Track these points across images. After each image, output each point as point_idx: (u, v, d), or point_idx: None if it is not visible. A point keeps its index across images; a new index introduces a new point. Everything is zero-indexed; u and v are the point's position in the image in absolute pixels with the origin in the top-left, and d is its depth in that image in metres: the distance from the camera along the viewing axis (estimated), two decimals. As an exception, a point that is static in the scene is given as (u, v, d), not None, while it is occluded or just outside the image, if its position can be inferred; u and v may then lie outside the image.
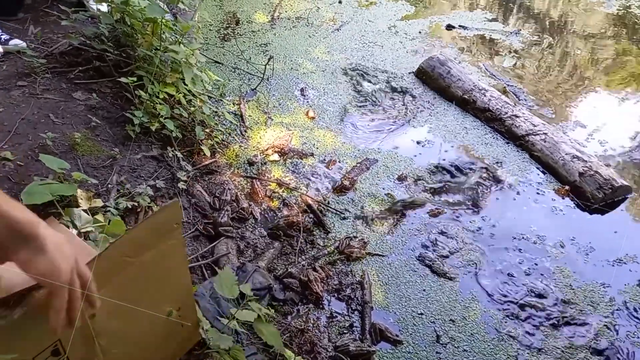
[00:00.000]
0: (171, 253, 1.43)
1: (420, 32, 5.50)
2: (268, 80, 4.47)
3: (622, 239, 3.42)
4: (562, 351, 2.72)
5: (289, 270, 2.85)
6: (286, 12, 5.56)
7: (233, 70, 4.53)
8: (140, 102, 3.18)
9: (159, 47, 3.34)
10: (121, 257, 1.24)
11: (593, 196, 3.59)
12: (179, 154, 3.23)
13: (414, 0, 6.19)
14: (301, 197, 3.36)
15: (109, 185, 2.70)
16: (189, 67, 3.30)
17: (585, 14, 6.33)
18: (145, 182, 2.94)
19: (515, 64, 5.17)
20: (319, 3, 5.79)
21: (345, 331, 2.70)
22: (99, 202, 2.33)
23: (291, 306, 2.75)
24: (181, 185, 3.11)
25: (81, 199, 2.23)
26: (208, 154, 3.40)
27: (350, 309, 2.81)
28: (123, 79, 3.07)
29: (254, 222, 3.21)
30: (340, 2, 5.89)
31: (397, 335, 2.69)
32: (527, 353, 2.70)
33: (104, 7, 3.67)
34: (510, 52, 5.34)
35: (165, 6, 3.79)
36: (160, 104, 3.23)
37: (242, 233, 3.09)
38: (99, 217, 2.25)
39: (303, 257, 3.01)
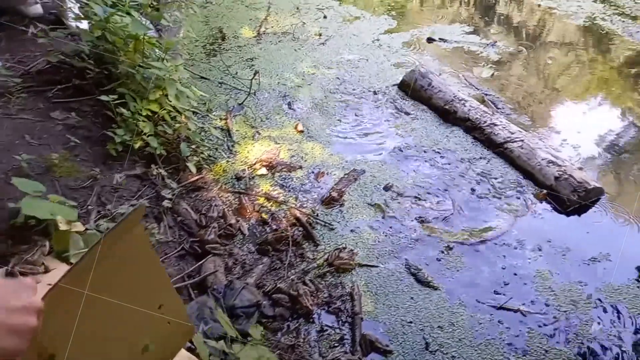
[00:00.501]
0: (137, 244, 1.31)
1: (402, 45, 5.46)
2: (255, 94, 4.38)
3: (595, 239, 3.38)
4: (546, 351, 2.66)
5: (278, 285, 2.76)
6: (272, 27, 5.48)
7: (219, 85, 4.44)
8: (122, 119, 3.07)
9: (141, 64, 3.23)
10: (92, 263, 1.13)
11: (568, 199, 3.56)
12: (163, 172, 3.12)
13: (397, 15, 6.15)
14: (290, 211, 3.27)
15: (89, 207, 2.58)
16: (173, 83, 3.19)
17: (556, 26, 6.35)
18: (128, 202, 2.83)
19: (493, 74, 5.15)
20: (304, 18, 5.72)
21: (336, 344, 2.61)
22: (79, 226, 2.20)
23: (281, 322, 2.65)
24: (166, 203, 3.00)
25: (60, 222, 2.11)
26: (194, 170, 3.29)
27: (340, 321, 2.72)
28: (104, 97, 2.95)
29: (242, 238, 3.11)
30: (325, 17, 5.83)
31: (387, 345, 2.61)
32: (514, 356, 2.63)
33: (83, 25, 3.55)
34: (487, 63, 5.31)
35: (148, 23, 3.68)
36: (143, 121, 3.13)
37: (230, 250, 2.99)
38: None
39: (293, 271, 2.92)
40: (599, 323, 2.84)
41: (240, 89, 4.39)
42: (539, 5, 6.70)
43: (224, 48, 4.99)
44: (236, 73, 4.57)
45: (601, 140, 4.38)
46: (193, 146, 3.55)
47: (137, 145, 3.19)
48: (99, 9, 3.13)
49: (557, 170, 3.70)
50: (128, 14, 3.26)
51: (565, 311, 2.88)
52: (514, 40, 5.90)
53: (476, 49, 5.54)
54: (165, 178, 3.16)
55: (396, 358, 2.58)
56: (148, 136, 3.15)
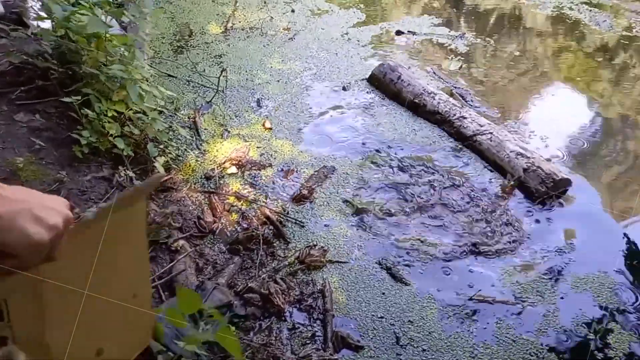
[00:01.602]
0: (134, 219, 1.32)
1: (371, 39, 5.52)
2: (223, 92, 4.38)
3: (561, 230, 3.52)
4: (514, 341, 2.77)
5: (250, 285, 2.79)
6: (240, 22, 5.47)
7: (187, 83, 4.42)
8: (87, 121, 3.04)
9: (105, 63, 3.21)
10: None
11: (537, 190, 3.68)
12: (131, 173, 3.11)
13: (365, 8, 6.20)
14: (260, 209, 3.30)
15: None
16: (134, 82, 3.17)
17: (524, 17, 6.50)
18: (96, 204, 2.82)
19: (461, 66, 5.25)
20: (272, 12, 5.72)
21: (307, 342, 2.66)
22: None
23: (253, 322, 2.69)
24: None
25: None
26: (162, 171, 3.29)
27: (312, 319, 2.77)
28: (67, 99, 2.92)
29: (212, 237, 3.13)
30: (293, 11, 5.84)
31: (358, 341, 2.67)
32: (482, 347, 2.73)
33: (45, 24, 3.49)
34: (456, 55, 5.42)
35: (112, 20, 3.64)
36: (109, 122, 3.11)
37: (201, 250, 3.01)
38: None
39: (264, 270, 2.95)
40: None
41: (208, 87, 4.38)
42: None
43: (191, 45, 4.96)
44: (204, 70, 4.55)
45: (569, 130, 4.52)
46: (161, 146, 3.54)
47: (104, 147, 3.18)
48: (57, 8, 3.09)
49: (526, 162, 3.82)
50: (91, 11, 3.22)
51: (532, 302, 3.00)
52: (482, 32, 6.02)
53: (445, 42, 5.64)
54: (133, 179, 3.15)
55: (367, 353, 2.65)
56: (115, 137, 3.14)
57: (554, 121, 4.59)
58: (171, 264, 2.81)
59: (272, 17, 5.62)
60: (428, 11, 6.36)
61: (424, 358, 2.66)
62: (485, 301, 2.97)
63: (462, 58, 5.38)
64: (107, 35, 3.27)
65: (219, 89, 4.30)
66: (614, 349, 2.77)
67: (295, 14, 5.79)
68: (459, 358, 2.68)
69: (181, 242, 2.97)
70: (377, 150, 4.00)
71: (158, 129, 3.39)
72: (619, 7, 6.80)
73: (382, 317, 2.82)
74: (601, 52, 5.77)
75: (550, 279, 3.14)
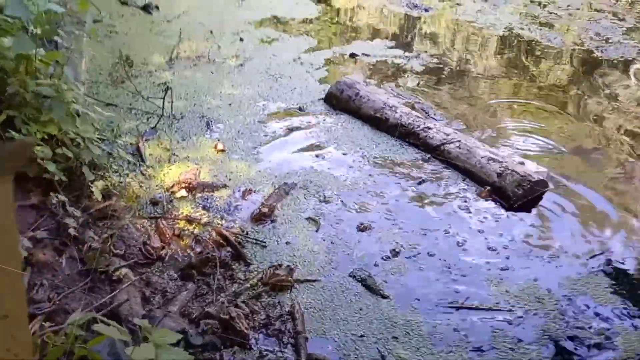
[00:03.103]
0: None
1: (325, 62, 5.54)
2: (170, 117, 4.20)
3: (551, 233, 3.43)
4: (512, 349, 2.58)
5: (207, 310, 2.51)
6: (185, 52, 5.39)
7: (129, 110, 4.23)
8: (12, 144, 2.79)
9: (33, 85, 3.01)
10: None
11: (514, 193, 3.62)
12: (64, 198, 2.84)
13: (316, 35, 6.28)
14: (215, 230, 3.05)
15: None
16: (64, 102, 2.97)
17: (477, 36, 6.75)
18: (23, 235, 2.53)
19: (419, 83, 5.32)
20: (220, 42, 5.69)
21: (278, 369, 2.38)
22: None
23: (212, 352, 2.39)
24: (72, 231, 2.71)
25: None
26: (99, 197, 3.03)
27: (282, 344, 2.50)
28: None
29: (161, 265, 2.85)
30: (241, 39, 5.83)
31: (337, 364, 2.41)
32: (478, 357, 2.52)
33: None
34: (412, 73, 5.50)
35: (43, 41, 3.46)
36: (38, 144, 2.87)
37: (148, 278, 2.72)
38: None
39: (223, 295, 2.68)
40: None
41: (152, 113, 4.19)
42: (457, 20, 7.12)
43: (132, 75, 4.79)
44: (147, 98, 4.38)
45: (535, 138, 4.55)
46: (100, 172, 3.30)
47: (32, 173, 2.91)
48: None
49: (499, 167, 3.77)
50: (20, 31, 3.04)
51: (530, 309, 2.83)
52: (437, 52, 6.18)
53: (400, 62, 5.73)
54: (66, 205, 2.87)
55: (350, 376, 2.39)
56: (45, 161, 2.89)
57: (520, 129, 4.64)
58: (112, 294, 2.49)
59: (219, 47, 5.58)
60: (380, 37, 6.50)
61: (415, 376, 2.42)
62: (476, 307, 2.79)
63: (419, 75, 5.46)
64: (36, 57, 3.09)
65: (164, 112, 4.13)
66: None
67: (244, 43, 5.77)
68: (454, 372, 2.46)
69: (124, 270, 2.68)
70: (337, 165, 3.88)
71: (95, 152, 3.16)
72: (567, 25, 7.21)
73: (362, 336, 2.58)
74: (552, 62, 6.02)
75: (543, 282, 3.02)
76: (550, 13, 7.58)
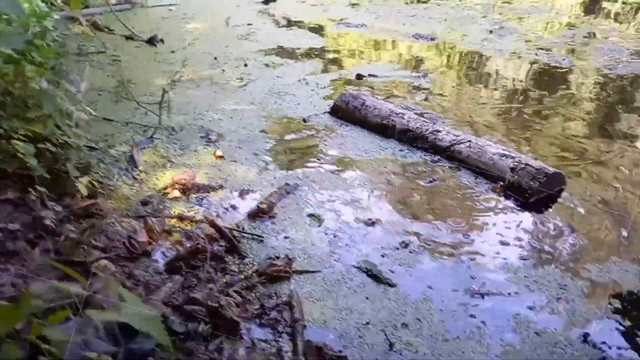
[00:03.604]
0: None
1: (330, 83, 5.52)
2: (168, 130, 4.14)
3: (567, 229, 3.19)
4: (538, 334, 2.29)
5: (192, 295, 2.30)
6: (188, 76, 5.43)
7: (125, 124, 4.18)
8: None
9: (19, 82, 2.99)
10: None
11: (529, 187, 3.40)
12: (43, 191, 2.73)
13: (321, 60, 6.32)
14: (209, 221, 2.87)
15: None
16: (53, 98, 2.91)
17: (484, 61, 6.72)
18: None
19: (427, 97, 5.24)
20: (224, 67, 5.73)
21: (272, 358, 2.13)
22: None
23: (196, 340, 2.16)
24: (48, 222, 2.57)
25: None
26: (84, 192, 2.91)
27: (277, 333, 2.27)
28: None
29: (147, 260, 2.67)
30: (246, 65, 5.87)
31: (340, 352, 2.16)
32: (499, 344, 2.24)
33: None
34: (420, 90, 5.43)
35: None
36: (19, 139, 2.80)
37: (130, 271, 2.53)
38: None
39: (212, 285, 2.47)
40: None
41: (149, 126, 4.14)
42: (463, 47, 7.13)
43: (134, 96, 4.80)
44: (146, 113, 4.35)
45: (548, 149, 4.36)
46: (87, 175, 3.19)
47: (11, 168, 2.83)
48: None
49: (512, 162, 3.59)
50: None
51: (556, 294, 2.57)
52: (445, 72, 6.14)
53: (407, 80, 5.69)
54: (45, 200, 2.75)
55: (353, 364, 2.12)
56: (27, 157, 2.80)
57: (534, 137, 4.47)
58: (88, 282, 2.30)
59: (223, 70, 5.61)
60: (387, 60, 6.51)
61: (428, 364, 2.15)
62: (493, 293, 2.53)
63: (427, 91, 5.38)
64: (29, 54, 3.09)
65: (161, 120, 4.07)
66: None
67: (248, 68, 5.81)
68: (473, 359, 2.17)
69: (104, 262, 2.50)
70: (342, 170, 3.73)
71: (83, 153, 3.08)
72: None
73: (368, 323, 2.33)
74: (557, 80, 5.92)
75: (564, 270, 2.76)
76: (554, 42, 7.55)
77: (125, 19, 6.96)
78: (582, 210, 3.36)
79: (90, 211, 2.92)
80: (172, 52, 6.23)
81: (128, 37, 6.59)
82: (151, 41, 6.46)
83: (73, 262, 2.44)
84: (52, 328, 1.81)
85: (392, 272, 2.66)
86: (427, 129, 4.12)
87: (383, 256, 2.78)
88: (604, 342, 2.32)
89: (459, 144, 3.91)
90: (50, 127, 2.99)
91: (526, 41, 7.37)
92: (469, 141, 3.90)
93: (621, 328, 2.42)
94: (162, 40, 6.53)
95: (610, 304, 2.55)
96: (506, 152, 3.71)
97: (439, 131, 4.08)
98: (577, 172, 3.84)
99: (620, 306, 2.54)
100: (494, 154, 3.71)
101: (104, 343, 1.92)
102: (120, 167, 3.48)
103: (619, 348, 2.30)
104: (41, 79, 3.01)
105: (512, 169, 3.54)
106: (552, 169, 3.52)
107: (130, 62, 5.76)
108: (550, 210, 3.39)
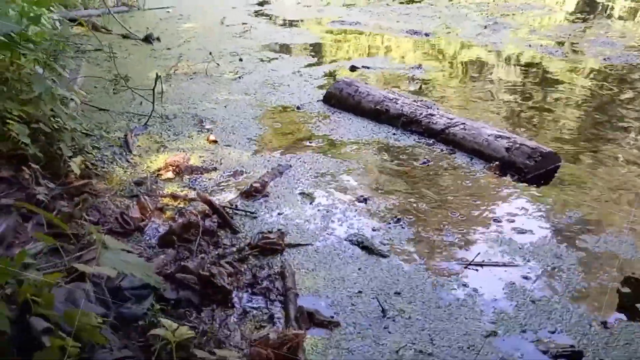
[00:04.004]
0: None
1: (324, 74, 5.51)
2: (162, 117, 4.12)
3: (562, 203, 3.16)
4: (534, 302, 2.26)
5: (183, 264, 2.27)
6: (183, 70, 5.42)
7: (121, 114, 4.16)
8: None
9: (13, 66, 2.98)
10: None
11: (525, 165, 3.38)
12: (36, 167, 2.70)
13: (316, 54, 6.32)
14: (201, 198, 2.84)
15: None
16: (43, 79, 2.90)
17: (473, 49, 6.71)
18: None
19: (421, 87, 5.23)
20: (219, 61, 5.72)
21: (264, 324, 2.10)
22: None
23: (188, 308, 2.13)
24: (41, 197, 2.54)
25: None
26: (77, 171, 2.88)
27: (269, 301, 2.23)
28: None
29: (140, 235, 2.64)
30: (241, 60, 5.86)
31: (331, 317, 2.13)
32: (493, 313, 2.20)
33: None
34: (414, 79, 5.42)
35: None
36: (11, 119, 2.79)
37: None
38: None
39: (205, 256, 2.44)
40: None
41: (144, 115, 4.12)
42: (458, 41, 7.13)
43: (128, 88, 4.78)
44: (141, 103, 4.34)
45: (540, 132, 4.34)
46: (82, 157, 3.17)
47: (5, 149, 2.81)
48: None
49: (507, 142, 3.57)
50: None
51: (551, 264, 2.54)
52: (439, 64, 6.13)
53: (401, 72, 5.68)
54: (39, 178, 2.72)
55: (346, 330, 2.09)
56: (20, 136, 2.78)
57: (532, 121, 4.45)
58: (79, 253, 2.27)
59: (218, 64, 5.60)
60: (381, 53, 6.51)
61: (421, 327, 2.11)
62: (486, 265, 2.50)
63: (421, 81, 5.37)
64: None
65: (154, 99, 4.06)
66: None
67: (243, 62, 5.80)
68: (466, 324, 2.13)
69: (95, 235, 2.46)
70: (335, 151, 3.71)
71: (76, 131, 3.06)
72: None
73: (360, 292, 2.29)
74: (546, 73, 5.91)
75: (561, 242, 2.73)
76: (547, 35, 7.54)
77: (123, 20, 6.97)
78: (577, 186, 3.34)
79: (83, 190, 2.90)
80: (168, 49, 6.23)
81: (125, 36, 6.59)
82: (147, 39, 6.46)
83: (65, 235, 2.41)
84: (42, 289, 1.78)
85: (384, 244, 2.63)
86: (421, 113, 4.10)
87: (375, 230, 2.74)
88: (599, 310, 2.28)
89: (454, 126, 3.89)
90: (42, 109, 2.98)
91: (519, 35, 7.38)
92: (464, 123, 3.88)
93: (616, 296, 2.38)
94: (158, 39, 6.53)
95: (606, 274, 2.51)
96: (501, 133, 3.70)
97: (433, 115, 4.06)
98: (572, 154, 3.82)
99: (617, 275, 2.50)
100: (489, 135, 3.69)
101: (94, 306, 1.89)
102: (114, 151, 3.45)
103: (615, 317, 2.26)
104: (31, 60, 3.02)
105: (508, 149, 3.53)
106: (547, 148, 3.51)
107: (127, 58, 5.75)
108: (546, 186, 3.37)
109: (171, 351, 1.71)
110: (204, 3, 8.64)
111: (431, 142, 3.88)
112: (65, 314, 1.72)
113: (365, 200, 3.03)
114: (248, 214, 2.87)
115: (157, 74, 4.11)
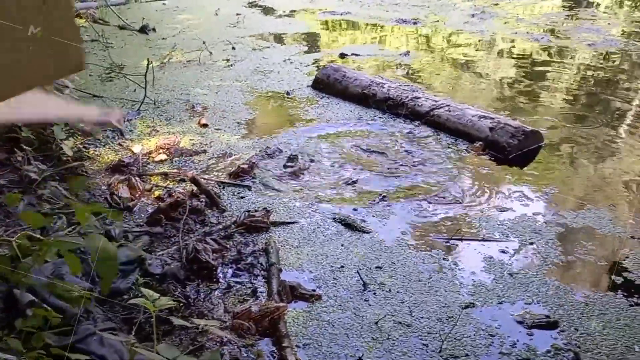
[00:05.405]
0: None
1: (313, 61, 5.44)
2: (155, 103, 4.07)
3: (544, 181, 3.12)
4: (512, 275, 2.23)
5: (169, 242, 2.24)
6: (177, 58, 5.35)
7: (115, 100, 4.10)
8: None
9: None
10: None
11: (508, 144, 3.34)
12: (28, 148, 2.66)
13: (306, 43, 6.24)
14: (189, 177, 2.79)
15: None
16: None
17: (460, 36, 6.65)
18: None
19: (408, 72, 5.17)
20: (212, 50, 5.65)
21: (247, 298, 2.07)
22: None
23: (172, 283, 2.09)
24: (33, 176, 2.50)
25: None
26: (69, 152, 2.83)
27: (253, 276, 2.20)
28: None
29: (128, 214, 2.60)
30: (233, 48, 5.79)
31: (313, 291, 2.10)
32: (472, 285, 2.18)
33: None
34: (402, 65, 5.36)
35: None
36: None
37: (111, 222, 2.46)
38: None
39: (191, 235, 2.41)
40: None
41: (138, 101, 4.06)
42: (446, 29, 7.06)
43: (122, 75, 4.72)
44: (134, 90, 4.28)
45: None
46: (75, 139, 3.12)
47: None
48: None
49: (491, 122, 3.53)
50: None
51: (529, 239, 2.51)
52: (427, 50, 6.06)
53: (390, 58, 5.61)
54: (31, 160, 2.68)
55: (327, 302, 2.06)
56: (10, 120, 2.73)
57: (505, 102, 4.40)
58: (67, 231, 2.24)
59: (211, 53, 5.53)
60: (370, 42, 6.44)
61: (401, 300, 2.08)
62: (468, 239, 2.47)
63: (408, 66, 5.31)
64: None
65: (146, 92, 3.99)
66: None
67: (235, 50, 5.73)
68: (445, 297, 2.11)
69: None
70: (320, 135, 3.66)
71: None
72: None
73: (342, 267, 2.27)
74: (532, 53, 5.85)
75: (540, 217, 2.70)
76: (534, 23, 7.47)
77: (120, 12, 6.88)
78: (558, 164, 3.31)
79: (75, 172, 2.86)
80: (163, 39, 6.15)
81: (121, 27, 6.50)
82: (143, 30, 6.37)
83: (47, 214, 2.37)
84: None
85: (367, 221, 2.60)
86: (407, 96, 4.05)
87: (357, 210, 2.71)
88: (575, 283, 2.26)
89: (439, 108, 3.84)
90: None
91: (506, 23, 7.31)
92: (448, 105, 3.83)
93: (595, 270, 2.35)
94: (153, 29, 6.44)
95: (584, 248, 2.48)
96: (485, 114, 3.65)
97: (418, 97, 4.01)
98: (557, 135, 3.78)
99: (594, 249, 2.47)
100: (472, 116, 3.64)
101: (80, 280, 1.86)
102: (107, 135, 3.40)
103: (591, 288, 2.24)
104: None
105: (492, 129, 3.49)
106: (529, 127, 3.46)
107: (123, 48, 5.68)
108: (528, 166, 3.34)
109: (152, 323, 1.68)
110: (199, -5, 8.54)
111: (417, 124, 3.82)
112: (49, 286, 1.69)
113: (353, 183, 2.99)
114: (235, 193, 2.83)
115: (148, 60, 4.04)
